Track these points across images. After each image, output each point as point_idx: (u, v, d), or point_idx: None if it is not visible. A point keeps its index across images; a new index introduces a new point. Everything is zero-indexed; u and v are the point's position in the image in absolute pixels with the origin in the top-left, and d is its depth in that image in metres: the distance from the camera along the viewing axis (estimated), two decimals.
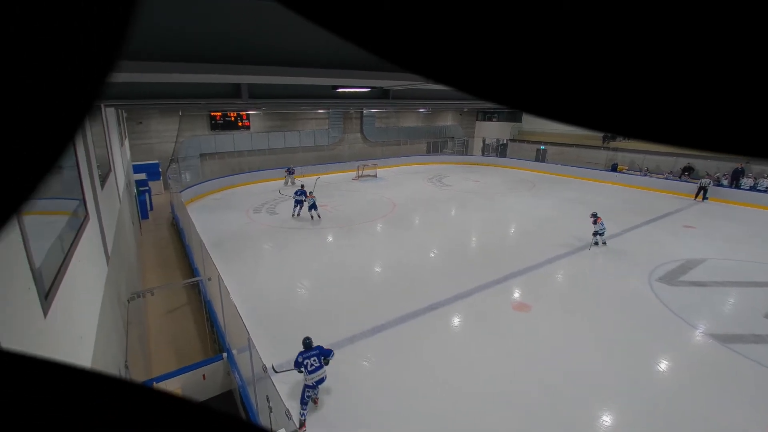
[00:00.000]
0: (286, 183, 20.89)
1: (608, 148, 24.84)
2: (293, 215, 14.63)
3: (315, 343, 5.80)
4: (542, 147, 28.08)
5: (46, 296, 2.31)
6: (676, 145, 0.17)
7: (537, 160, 27.84)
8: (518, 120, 30.21)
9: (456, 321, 7.84)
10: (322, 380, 5.34)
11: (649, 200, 18.21)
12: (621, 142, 24.22)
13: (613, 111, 0.17)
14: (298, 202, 14.52)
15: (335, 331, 7.28)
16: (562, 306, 8.32)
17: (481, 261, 10.84)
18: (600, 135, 24.87)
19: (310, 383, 5.25)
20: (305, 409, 5.22)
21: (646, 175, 21.89)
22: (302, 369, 5.27)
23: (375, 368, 6.34)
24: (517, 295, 8.88)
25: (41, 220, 2.74)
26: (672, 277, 9.76)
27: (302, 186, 14.78)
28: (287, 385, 5.85)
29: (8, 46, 0.15)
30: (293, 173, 21.20)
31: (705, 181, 18.34)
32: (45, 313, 2.20)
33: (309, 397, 5.26)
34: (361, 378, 6.09)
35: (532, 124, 29.31)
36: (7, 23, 0.15)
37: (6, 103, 0.16)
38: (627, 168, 23.68)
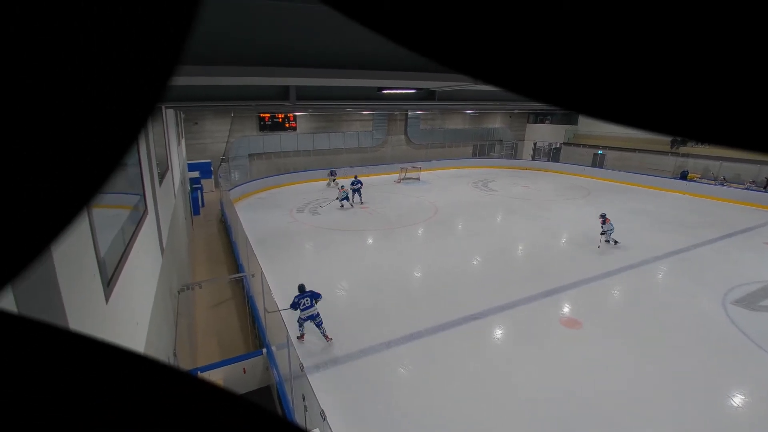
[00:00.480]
0: (328, 185, 21.41)
1: (677, 154, 22.91)
2: (351, 204, 16.36)
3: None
4: (600, 152, 26.50)
5: (108, 283, 2.54)
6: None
7: (594, 165, 26.30)
8: (573, 122, 28.76)
9: (498, 333, 7.59)
10: (314, 316, 7.12)
11: (725, 212, 16.55)
12: (693, 147, 22.24)
13: (690, 112, 0.16)
14: (355, 191, 16.30)
15: (372, 334, 7.31)
16: (619, 325, 7.77)
17: (527, 271, 10.42)
18: (668, 139, 23.00)
19: (303, 317, 7.09)
20: (302, 329, 7.22)
21: (722, 184, 19.93)
22: (298, 308, 7.03)
23: (412, 375, 6.29)
24: (566, 309, 8.43)
25: (107, 213, 3.02)
26: (752, 301, 8.79)
27: (356, 176, 16.59)
28: (323, 385, 5.98)
29: (85, 52, 0.17)
30: (335, 175, 21.72)
31: None
32: (107, 299, 2.42)
33: (302, 323, 7.17)
34: (396, 384, 6.07)
35: (589, 126, 27.77)
36: (81, 31, 0.16)
37: (82, 104, 0.18)
38: (699, 176, 21.70)
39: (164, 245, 5.63)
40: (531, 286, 9.35)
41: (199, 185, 17.67)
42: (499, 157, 29.99)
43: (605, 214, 12.45)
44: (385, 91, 5.87)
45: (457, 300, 8.69)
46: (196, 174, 18.53)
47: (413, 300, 8.78)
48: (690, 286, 9.53)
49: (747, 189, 18.82)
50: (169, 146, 8.99)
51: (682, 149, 22.75)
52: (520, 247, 12.71)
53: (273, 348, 6.19)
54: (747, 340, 7.24)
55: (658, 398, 5.78)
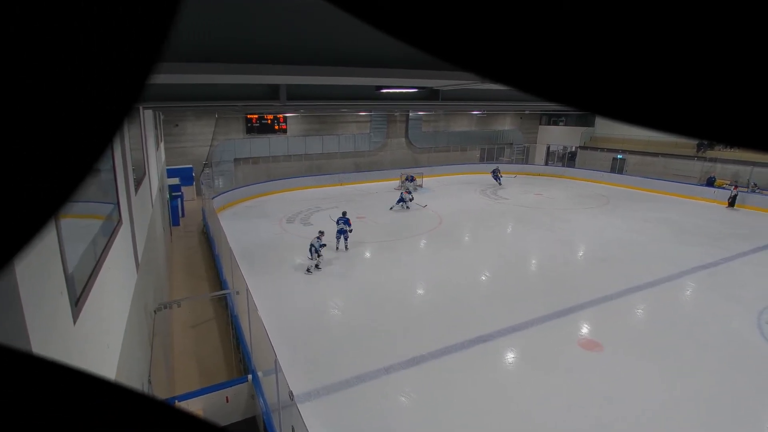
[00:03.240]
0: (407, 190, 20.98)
1: (704, 158, 23.06)
2: (336, 248, 12.89)
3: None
4: (620, 156, 26.66)
5: (77, 302, 2.52)
6: None
7: (613, 171, 26.43)
8: (590, 124, 28.99)
9: (510, 357, 7.53)
10: (343, 231, 11.20)
11: (756, 222, 16.60)
12: (721, 151, 22.38)
13: (717, 113, 0.15)
14: (341, 232, 12.81)
15: (370, 358, 7.25)
16: (644, 348, 7.72)
17: (541, 288, 10.38)
18: (694, 142, 23.16)
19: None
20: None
21: (753, 191, 20.01)
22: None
23: (413, 405, 6.21)
24: (585, 330, 8.38)
25: (77, 224, 3.01)
26: None
27: (344, 213, 13.15)
28: (316, 416, 5.90)
29: (51, 46, 0.16)
30: (413, 180, 22.10)
31: None
32: (74, 320, 2.40)
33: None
34: (396, 415, 6.00)
35: (608, 128, 27.98)
36: (48, 23, 0.16)
37: (49, 104, 0.17)
38: (728, 182, 21.79)
39: (140, 259, 5.61)
40: (545, 303, 9.31)
41: (180, 193, 17.66)
42: (509, 162, 30.10)
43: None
44: (384, 90, 5.92)
45: (464, 320, 8.63)
46: (175, 181, 18.51)
47: (415, 320, 8.72)
48: (721, 303, 9.50)
49: None
50: (146, 150, 9.01)
51: (709, 153, 22.90)
52: (533, 261, 12.68)
53: (259, 374, 6.12)
54: None
55: (689, 429, 5.71)
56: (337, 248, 12.83)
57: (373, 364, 7.07)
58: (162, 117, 18.42)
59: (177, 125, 20.69)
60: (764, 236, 14.65)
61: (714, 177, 22.07)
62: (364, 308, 9.24)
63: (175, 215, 16.38)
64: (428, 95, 6.75)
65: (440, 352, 7.49)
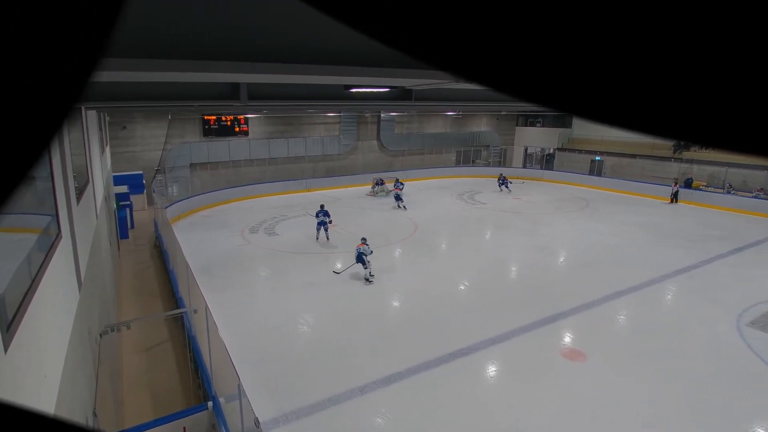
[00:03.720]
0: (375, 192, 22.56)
1: (680, 160, 24.29)
2: (316, 239, 14.77)
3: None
4: (598, 158, 27.71)
5: (8, 327, 2.38)
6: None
7: (591, 173, 27.43)
8: (568, 125, 30.05)
9: (491, 371, 7.63)
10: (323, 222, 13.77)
11: (734, 224, 17.57)
12: (697, 152, 23.63)
13: (689, 113, 0.16)
14: (322, 224, 14.57)
15: (342, 378, 7.18)
16: (627, 355, 8.00)
17: (522, 296, 10.60)
18: (670, 144, 24.39)
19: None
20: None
21: (729, 192, 21.21)
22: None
23: (391, 426, 6.19)
24: (567, 340, 8.61)
25: (8, 238, 2.86)
26: None
27: (322, 206, 14.91)
28: None
29: None
30: (383, 184, 22.97)
31: None
32: (5, 348, 2.26)
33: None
34: None
35: (585, 129, 29.08)
36: None
37: None
38: (705, 184, 23.02)
39: (83, 277, 5.39)
40: (526, 313, 9.51)
41: (128, 202, 17.17)
42: (486, 165, 30.77)
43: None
44: (354, 90, 5.94)
45: (442, 333, 8.69)
46: (123, 189, 17.95)
47: (391, 335, 8.72)
48: (702, 307, 9.97)
49: (755, 197, 20.11)
50: (90, 155, 8.73)
51: (685, 154, 24.14)
52: (513, 269, 12.95)
53: (221, 400, 5.97)
54: (765, 366, 7.61)
55: None
56: (318, 238, 14.68)
57: (347, 385, 7.01)
58: (107, 118, 17.87)
59: (125, 127, 20.12)
60: (741, 237, 15.53)
61: (691, 178, 23.26)
62: (335, 324, 9.17)
63: (123, 227, 15.93)
64: (401, 95, 6.82)
65: (418, 368, 7.50)
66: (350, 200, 21.60)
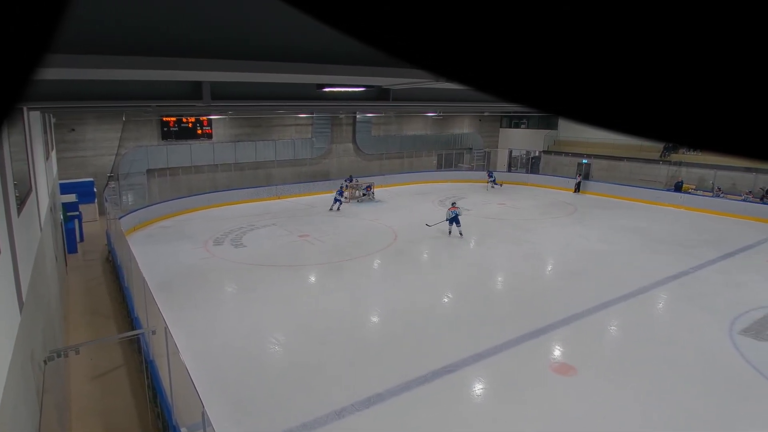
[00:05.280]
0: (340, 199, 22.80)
1: (669, 162, 25.14)
2: (449, 233, 16.76)
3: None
4: (585, 161, 28.41)
5: None
6: (758, 160, 0.17)
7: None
8: (553, 127, 30.75)
9: (477, 389, 7.68)
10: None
11: (724, 228, 18.28)
12: (685, 155, 24.51)
13: (676, 115, 0.16)
14: (454, 219, 16.64)
15: (318, 400, 7.11)
16: (618, 369, 8.17)
17: (509, 309, 10.73)
18: (659, 146, 25.24)
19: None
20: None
21: (718, 195, 22.07)
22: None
23: None
24: (557, 353, 8.74)
25: None
26: (760, 329, 9.64)
27: (453, 203, 17.30)
28: None
29: None
30: (352, 180, 23.84)
31: None
32: None
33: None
34: None
35: (572, 131, 29.82)
36: None
37: None
38: (694, 187, 23.87)
39: (24, 297, 5.20)
40: (514, 326, 9.62)
41: (77, 213, 16.68)
42: (469, 169, 31.15)
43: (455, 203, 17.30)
44: (327, 89, 5.95)
45: (425, 349, 8.71)
46: (72, 198, 17.43)
47: (370, 353, 8.69)
48: (693, 315, 10.30)
49: (744, 201, 20.97)
50: (33, 161, 8.47)
51: (674, 156, 25.00)
52: (499, 279, 13.10)
53: (183, 430, 5.83)
54: (758, 375, 7.90)
55: None
56: (450, 233, 16.73)
57: (322, 408, 6.94)
58: (53, 120, 17.42)
59: (73, 130, 19.61)
60: (731, 242, 16.14)
61: (681, 182, 24.10)
62: (308, 341, 9.08)
63: (71, 240, 15.49)
64: (377, 95, 6.87)
65: (399, 388, 7.48)
66: (325, 208, 21.52)
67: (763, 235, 17.19)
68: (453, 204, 17.13)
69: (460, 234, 16.33)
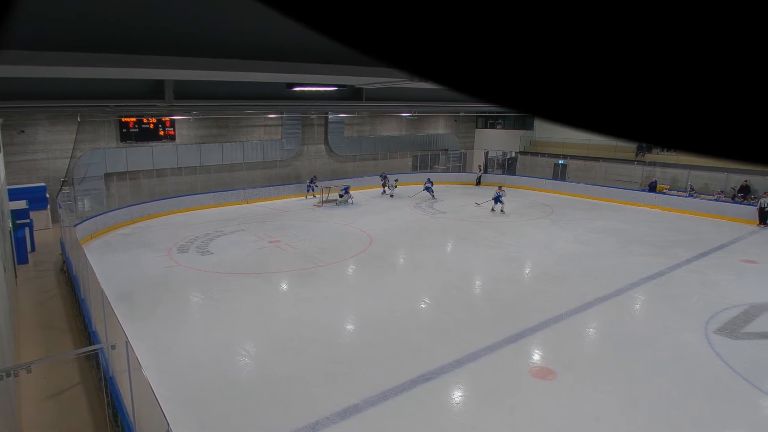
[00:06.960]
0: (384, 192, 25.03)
1: (643, 162, 26.00)
2: (491, 210, 21.22)
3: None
4: (561, 161, 29.11)
5: None
6: (732, 160, 0.17)
7: (555, 178, 28.77)
8: (529, 127, 31.41)
9: (457, 396, 7.74)
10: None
11: (697, 228, 19.02)
12: (659, 155, 25.40)
13: (649, 115, 0.17)
14: (497, 198, 21.19)
15: (291, 414, 7.05)
16: (598, 371, 8.39)
17: (487, 313, 10.88)
18: (633, 146, 26.08)
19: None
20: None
21: (692, 195, 22.93)
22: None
23: None
24: (536, 357, 8.91)
25: None
26: (734, 328, 10.05)
27: (500, 187, 21.89)
28: None
29: None
30: (314, 180, 24.57)
31: (766, 201, 19.34)
32: None
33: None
34: None
35: (548, 131, 30.49)
36: None
37: None
38: (668, 187, 24.75)
39: None
40: (493, 331, 9.75)
41: (28, 220, 16.16)
42: (445, 170, 31.48)
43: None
44: (298, 89, 5.93)
45: (403, 357, 8.74)
46: (22, 204, 16.86)
47: (345, 363, 8.67)
48: (670, 315, 10.67)
49: (717, 200, 21.88)
50: None
51: (648, 157, 25.88)
52: (477, 283, 13.26)
53: None
54: (734, 374, 8.23)
55: None
56: (492, 209, 21.57)
57: (296, 422, 6.88)
58: (0, 121, 16.81)
59: (23, 131, 18.98)
60: (705, 242, 16.82)
61: (656, 182, 24.96)
62: (281, 352, 9.00)
63: (21, 250, 15.00)
64: (350, 94, 6.88)
65: (377, 398, 7.48)
66: (297, 212, 21.37)
67: (736, 235, 17.97)
68: (499, 187, 21.95)
69: (502, 211, 20.93)
